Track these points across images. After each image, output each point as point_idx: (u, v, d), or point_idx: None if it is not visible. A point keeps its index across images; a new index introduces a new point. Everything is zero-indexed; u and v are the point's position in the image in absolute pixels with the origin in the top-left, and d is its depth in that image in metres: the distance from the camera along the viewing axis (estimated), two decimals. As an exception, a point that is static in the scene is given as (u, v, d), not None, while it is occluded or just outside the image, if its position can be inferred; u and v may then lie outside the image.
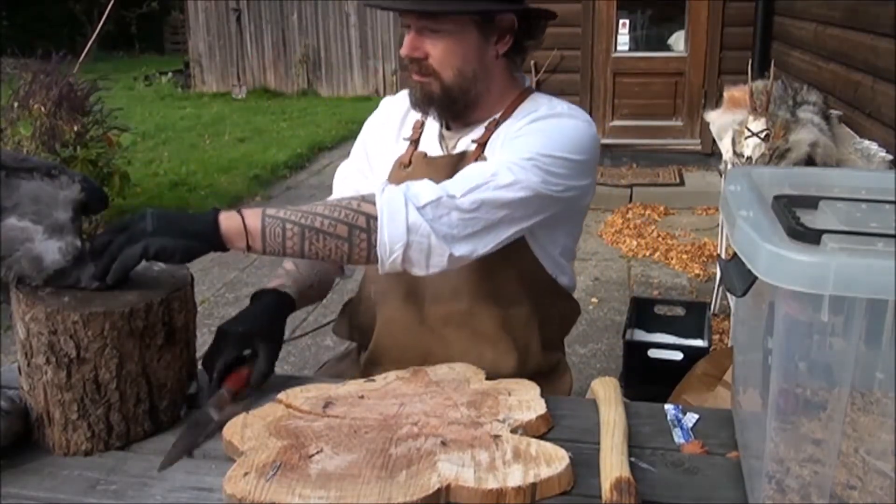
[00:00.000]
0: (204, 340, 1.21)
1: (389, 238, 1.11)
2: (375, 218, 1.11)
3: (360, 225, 1.11)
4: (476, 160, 1.30)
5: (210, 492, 0.97)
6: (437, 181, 1.29)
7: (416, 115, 1.42)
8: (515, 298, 1.36)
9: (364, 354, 1.48)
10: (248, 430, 1.05)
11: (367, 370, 1.44)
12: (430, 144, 1.40)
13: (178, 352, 1.13)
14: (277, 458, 0.98)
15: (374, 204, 1.12)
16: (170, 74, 11.49)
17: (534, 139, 1.23)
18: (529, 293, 1.39)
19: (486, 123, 1.35)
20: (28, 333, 1.04)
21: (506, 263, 1.29)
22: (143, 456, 1.06)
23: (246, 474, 0.94)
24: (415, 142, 1.41)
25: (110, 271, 1.06)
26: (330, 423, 1.06)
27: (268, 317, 1.28)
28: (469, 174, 1.18)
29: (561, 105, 1.32)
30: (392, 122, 1.47)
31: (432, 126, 1.41)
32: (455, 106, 1.32)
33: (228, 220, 1.09)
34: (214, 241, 1.09)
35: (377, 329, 1.44)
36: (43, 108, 4.76)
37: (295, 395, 1.15)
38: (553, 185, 1.21)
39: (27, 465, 1.04)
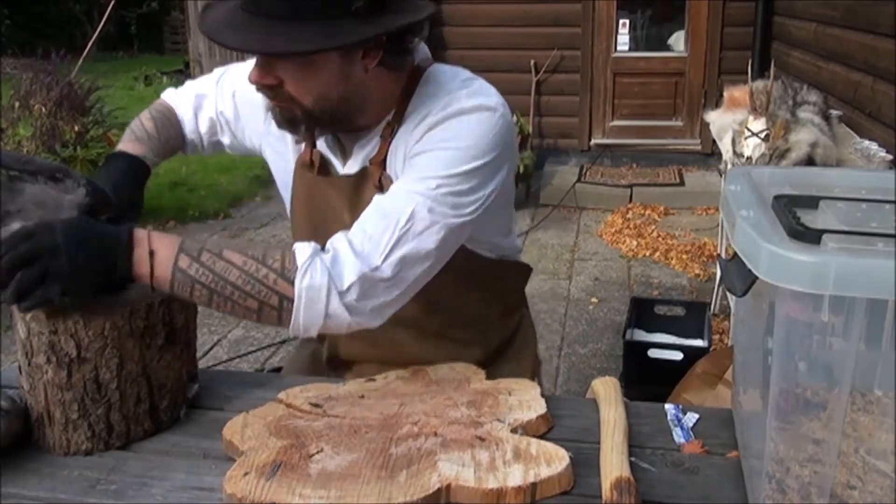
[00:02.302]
0: (204, 340, 1.21)
1: (305, 323, 1.06)
2: (290, 300, 1.04)
3: (271, 303, 1.05)
4: (380, 179, 1.21)
5: (210, 492, 0.97)
6: (340, 203, 1.26)
7: None
8: (461, 294, 1.29)
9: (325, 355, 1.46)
10: (248, 429, 1.05)
11: (336, 371, 1.43)
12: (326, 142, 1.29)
13: (179, 351, 1.13)
14: (278, 457, 0.98)
15: (291, 283, 1.04)
16: (164, 79, 11.49)
17: (438, 156, 1.12)
18: (474, 284, 1.32)
19: (380, 131, 1.22)
20: (28, 333, 1.04)
21: (441, 269, 1.17)
22: (143, 456, 1.06)
23: (246, 474, 0.94)
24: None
25: (23, 306, 0.99)
26: (330, 423, 1.07)
27: (131, 183, 1.29)
28: (384, 225, 1.09)
29: (458, 93, 1.16)
30: None
31: None
32: (324, 125, 1.20)
33: (139, 266, 1.03)
34: (127, 278, 1.04)
35: (327, 338, 1.42)
36: (43, 108, 4.77)
37: (295, 395, 1.15)
38: (468, 208, 1.12)
39: (27, 464, 1.04)
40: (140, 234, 1.04)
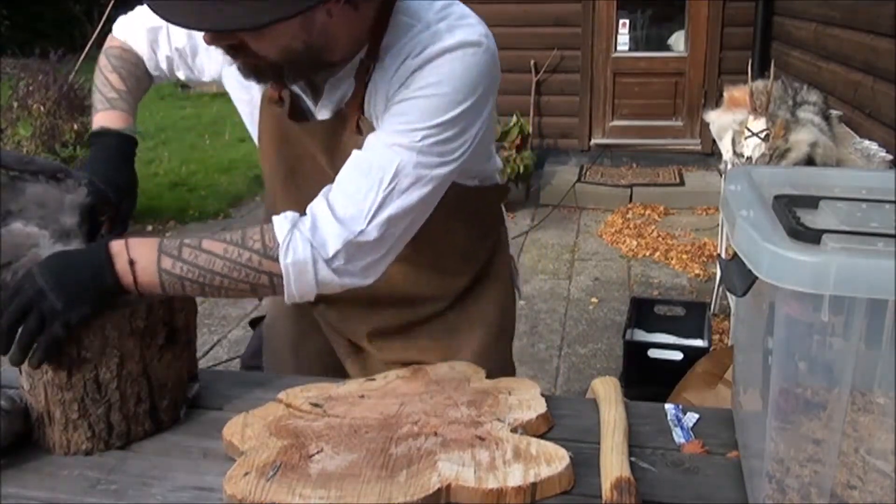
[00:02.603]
0: (204, 340, 1.21)
1: (299, 293, 1.06)
2: (279, 276, 1.04)
3: (262, 283, 1.04)
4: (358, 123, 1.14)
5: (210, 491, 0.97)
6: (316, 149, 1.19)
7: None
8: (446, 226, 1.22)
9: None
10: (248, 429, 1.05)
11: (316, 307, 1.40)
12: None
13: (179, 351, 1.13)
14: (278, 457, 0.98)
15: (276, 260, 1.03)
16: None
17: (422, 105, 1.06)
18: (458, 214, 1.26)
19: (353, 70, 1.14)
20: (28, 333, 1.04)
21: None
22: (143, 456, 1.06)
23: (246, 474, 0.94)
24: None
25: (34, 357, 0.99)
26: (330, 423, 1.06)
27: (126, 169, 1.26)
28: (367, 185, 1.04)
29: (438, 27, 1.08)
30: None
31: None
32: (292, 74, 1.11)
33: (125, 277, 1.02)
34: (119, 293, 1.03)
35: None
36: (42, 108, 4.77)
37: (295, 395, 1.15)
38: (456, 153, 1.08)
39: (27, 464, 1.04)
40: (117, 246, 1.03)
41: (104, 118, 1.31)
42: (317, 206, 1.06)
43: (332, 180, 1.10)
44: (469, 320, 1.40)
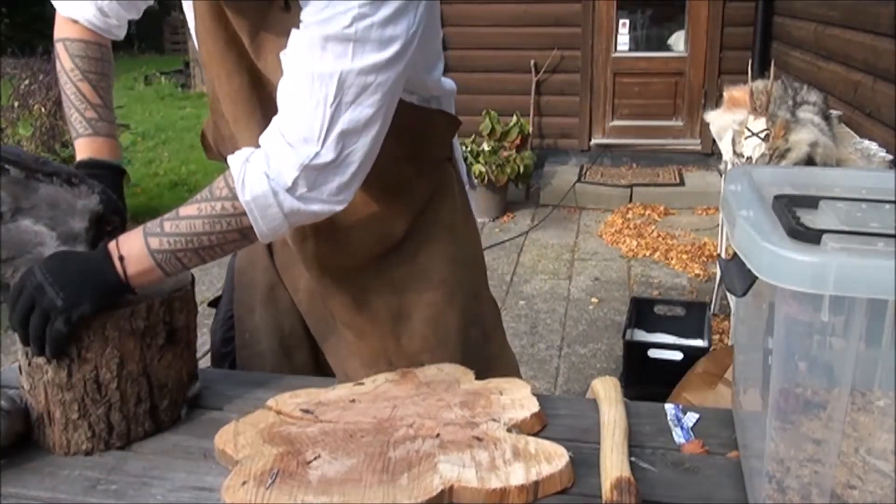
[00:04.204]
0: (204, 340, 1.21)
1: (270, 230, 1.05)
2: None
3: (247, 226, 1.04)
4: (287, 2, 1.06)
5: (210, 492, 0.97)
6: (241, 28, 1.12)
7: None
8: (396, 154, 1.16)
9: None
10: (240, 437, 1.04)
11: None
12: None
13: (179, 351, 1.13)
14: (274, 465, 0.97)
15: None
16: (164, 79, 11.47)
17: None
18: (404, 144, 1.18)
19: None
20: (28, 333, 1.04)
21: None
22: (143, 456, 1.06)
23: (244, 483, 0.93)
24: None
25: (48, 352, 1.01)
26: (324, 429, 1.06)
27: (119, 199, 1.23)
28: (313, 102, 0.99)
29: None
30: None
31: None
32: None
33: (124, 272, 1.03)
34: (123, 292, 1.04)
35: None
36: (43, 109, 4.77)
37: (285, 402, 1.13)
38: (395, 46, 0.99)
39: (27, 464, 1.04)
40: (111, 246, 1.05)
41: (89, 147, 1.26)
42: (267, 135, 1.04)
43: (257, 69, 1.07)
44: (416, 278, 1.32)
